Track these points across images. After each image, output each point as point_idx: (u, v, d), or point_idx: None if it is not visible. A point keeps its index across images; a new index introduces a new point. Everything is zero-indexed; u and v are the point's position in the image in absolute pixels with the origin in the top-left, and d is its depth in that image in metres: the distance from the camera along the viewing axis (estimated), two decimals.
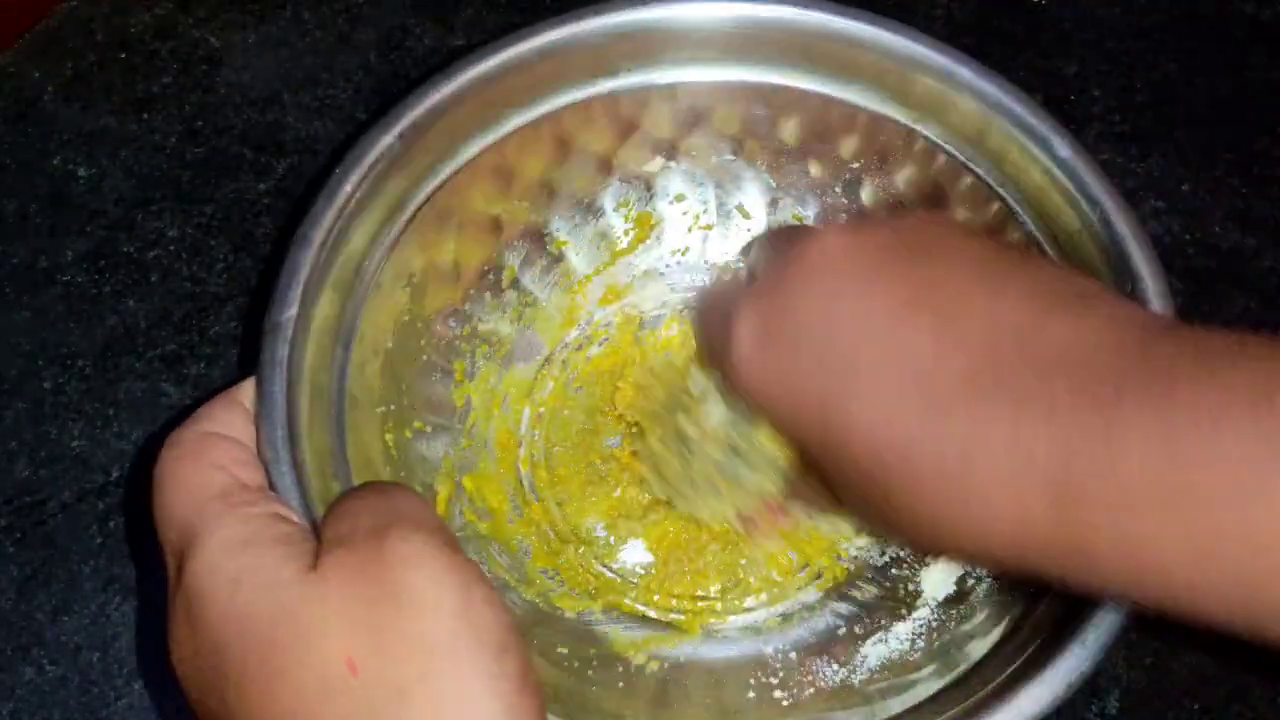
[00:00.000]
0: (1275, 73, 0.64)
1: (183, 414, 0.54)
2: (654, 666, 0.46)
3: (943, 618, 0.45)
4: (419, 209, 0.46)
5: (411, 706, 0.27)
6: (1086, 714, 0.47)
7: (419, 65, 0.64)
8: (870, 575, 0.48)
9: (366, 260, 0.44)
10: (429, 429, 0.48)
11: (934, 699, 0.39)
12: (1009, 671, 0.38)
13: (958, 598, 0.45)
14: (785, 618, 0.47)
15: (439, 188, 0.46)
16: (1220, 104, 0.63)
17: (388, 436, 0.45)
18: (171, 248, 0.58)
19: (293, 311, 0.39)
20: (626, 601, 0.48)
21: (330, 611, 0.28)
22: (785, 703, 0.44)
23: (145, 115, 0.62)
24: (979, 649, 0.41)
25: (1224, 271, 0.58)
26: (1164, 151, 0.61)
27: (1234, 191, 0.60)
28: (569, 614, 0.47)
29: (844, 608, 0.48)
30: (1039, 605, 0.40)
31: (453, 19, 0.65)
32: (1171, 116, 0.62)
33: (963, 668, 0.40)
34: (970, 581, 0.45)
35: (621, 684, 0.44)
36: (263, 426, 0.37)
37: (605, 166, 0.52)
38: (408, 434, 0.46)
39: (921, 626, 0.45)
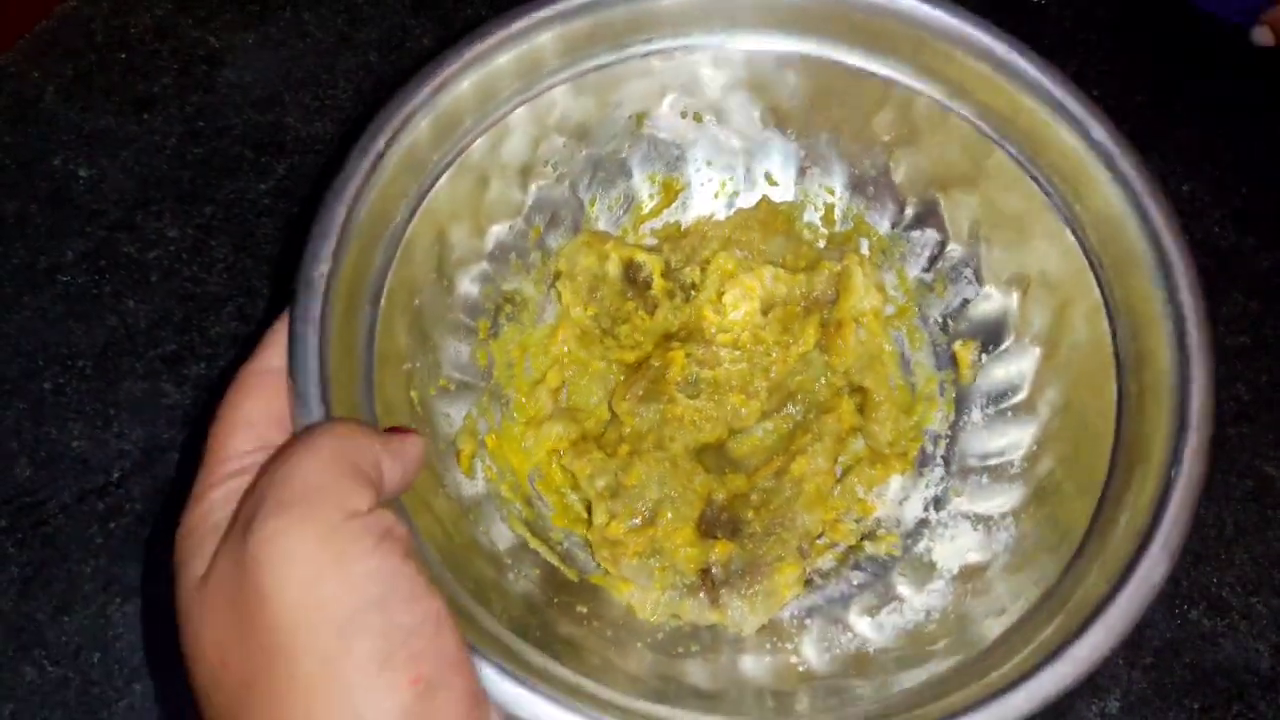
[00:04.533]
0: (1275, 73, 0.64)
1: (183, 414, 0.54)
2: (672, 630, 0.46)
3: (959, 591, 0.45)
4: (449, 165, 0.45)
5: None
6: (1087, 714, 0.47)
7: (419, 65, 0.64)
8: (885, 545, 0.48)
9: (397, 216, 0.43)
10: (453, 387, 0.47)
11: (951, 674, 0.39)
12: (1027, 650, 0.38)
13: (973, 572, 0.45)
14: (801, 583, 0.47)
15: (470, 144, 0.45)
16: (1220, 104, 0.63)
17: (413, 394, 0.44)
18: (171, 248, 0.58)
19: (326, 267, 0.38)
20: (650, 561, 0.47)
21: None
22: (800, 668, 0.44)
23: (145, 115, 0.62)
24: (996, 627, 0.40)
25: (1224, 271, 0.58)
26: (1164, 151, 0.61)
27: (1234, 191, 0.60)
28: (587, 577, 0.47)
29: (859, 576, 0.47)
30: (1059, 583, 0.40)
31: (453, 19, 0.65)
32: (1171, 116, 0.62)
33: (980, 644, 0.40)
34: (986, 557, 0.45)
35: (640, 644, 0.44)
36: (297, 384, 0.36)
37: (636, 129, 0.51)
38: (432, 391, 0.46)
39: (937, 598, 0.45)
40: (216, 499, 0.33)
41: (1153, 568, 0.37)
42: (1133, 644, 0.49)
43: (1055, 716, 0.47)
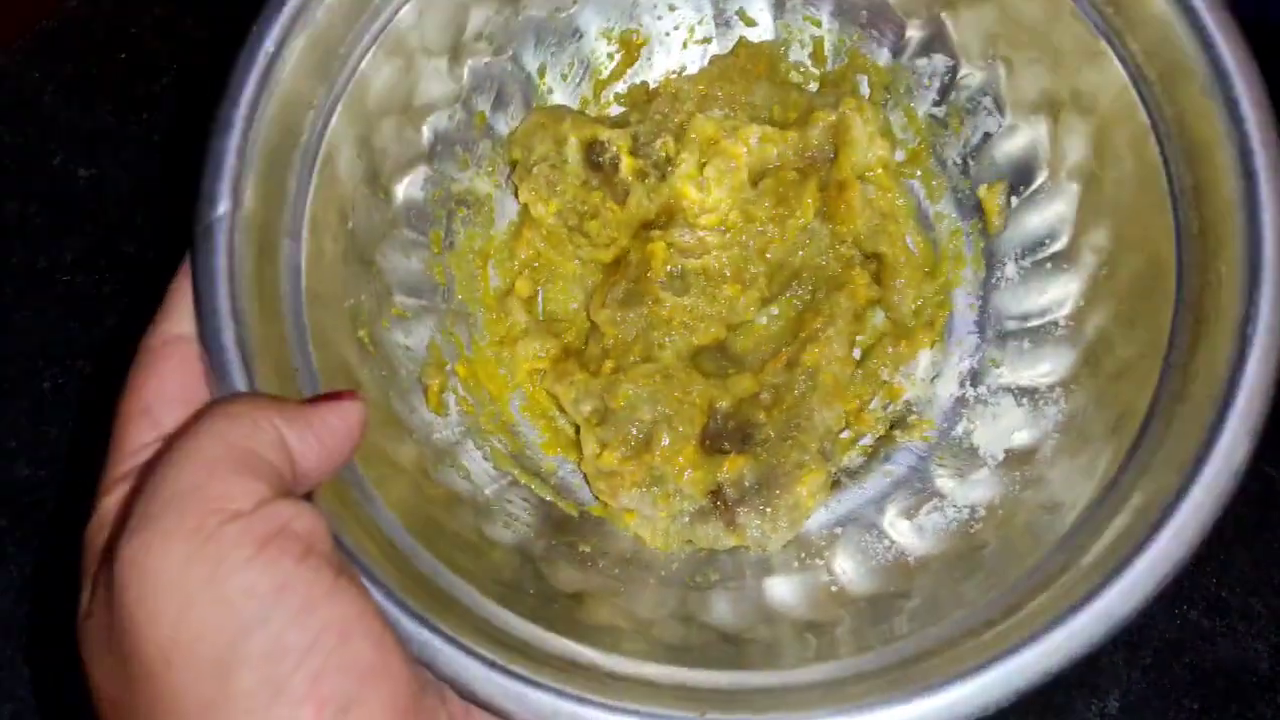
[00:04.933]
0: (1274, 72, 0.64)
1: None
2: (687, 558, 0.40)
3: (1006, 481, 0.38)
4: (361, 58, 0.37)
5: None
6: (1087, 714, 0.47)
7: None
8: (919, 431, 0.42)
9: (305, 129, 0.36)
10: (409, 314, 0.41)
11: (1009, 588, 0.33)
12: (1086, 561, 0.31)
13: (1022, 457, 0.38)
14: (827, 488, 0.41)
15: (382, 28, 0.38)
16: None
17: (361, 333, 0.38)
18: (172, 248, 0.58)
19: (225, 206, 0.32)
20: (652, 490, 0.41)
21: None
22: (833, 589, 0.38)
23: (145, 115, 0.62)
24: (1050, 529, 0.34)
25: None
26: None
27: None
28: (588, 509, 0.42)
29: (893, 471, 0.41)
30: (1121, 474, 0.33)
31: None
32: None
33: (1036, 550, 0.34)
34: (1035, 437, 0.38)
35: (652, 580, 0.39)
36: (211, 353, 0.31)
37: None
38: (385, 324, 0.39)
39: (982, 491, 0.39)
40: (110, 507, 0.28)
41: (1231, 450, 0.31)
42: (1132, 644, 0.49)
43: (1052, 715, 0.47)
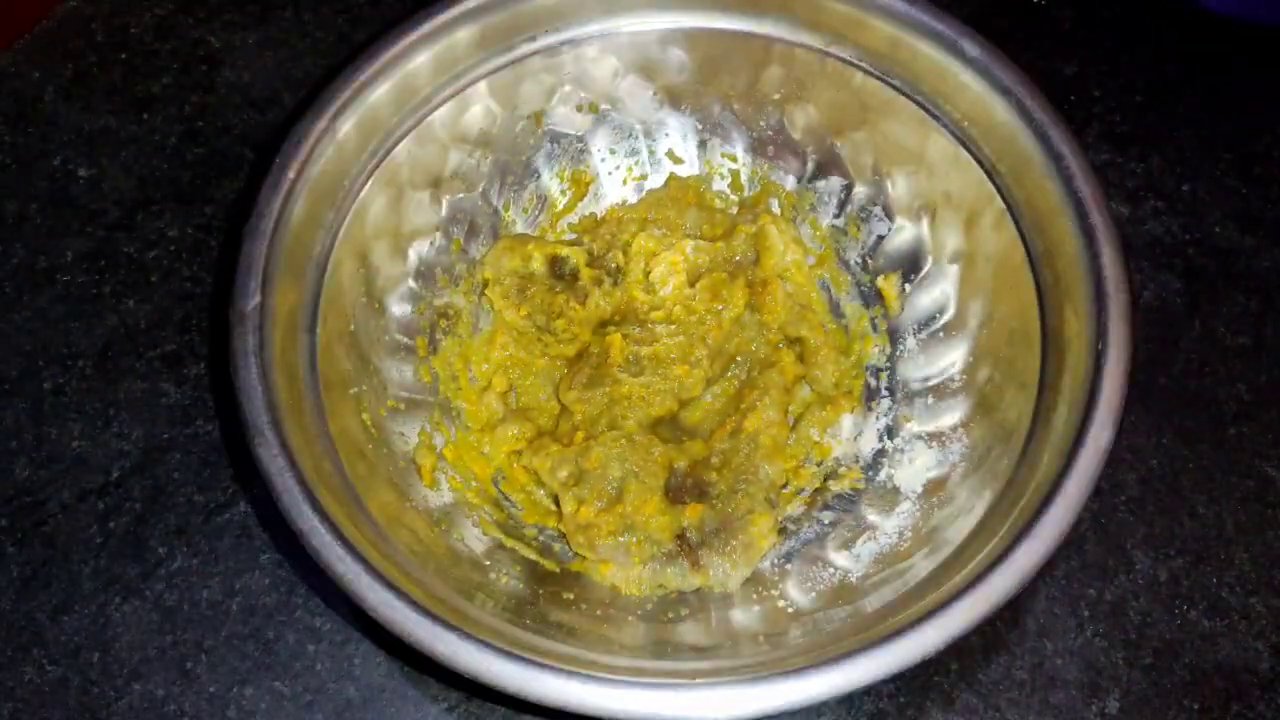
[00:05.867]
0: (1273, 72, 0.64)
1: (183, 414, 0.54)
2: (659, 599, 0.46)
3: (925, 507, 0.46)
4: (362, 188, 0.46)
5: None
6: (1087, 714, 0.47)
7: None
8: (848, 481, 0.49)
9: (317, 245, 0.44)
10: (402, 406, 0.48)
11: (930, 579, 0.40)
12: (997, 538, 0.38)
13: (935, 486, 0.46)
14: (775, 531, 0.47)
15: (379, 163, 0.47)
16: (1220, 104, 0.63)
17: (364, 416, 0.45)
18: (171, 248, 0.58)
19: (255, 300, 0.40)
20: (625, 538, 0.47)
21: None
22: (789, 610, 0.45)
23: (145, 115, 0.62)
24: (964, 526, 0.41)
25: (1224, 271, 0.57)
26: (1164, 151, 0.61)
27: (1234, 191, 0.60)
28: (567, 566, 0.47)
29: (829, 515, 0.48)
30: (1016, 474, 0.41)
31: None
32: (1171, 116, 0.62)
33: (952, 546, 0.41)
34: (944, 470, 0.46)
35: (630, 618, 0.45)
36: (246, 412, 0.38)
37: (535, 129, 0.53)
38: (382, 412, 0.46)
39: (906, 519, 0.46)
40: None
41: (1099, 434, 0.38)
42: (1132, 644, 0.49)
43: (1052, 715, 0.47)
